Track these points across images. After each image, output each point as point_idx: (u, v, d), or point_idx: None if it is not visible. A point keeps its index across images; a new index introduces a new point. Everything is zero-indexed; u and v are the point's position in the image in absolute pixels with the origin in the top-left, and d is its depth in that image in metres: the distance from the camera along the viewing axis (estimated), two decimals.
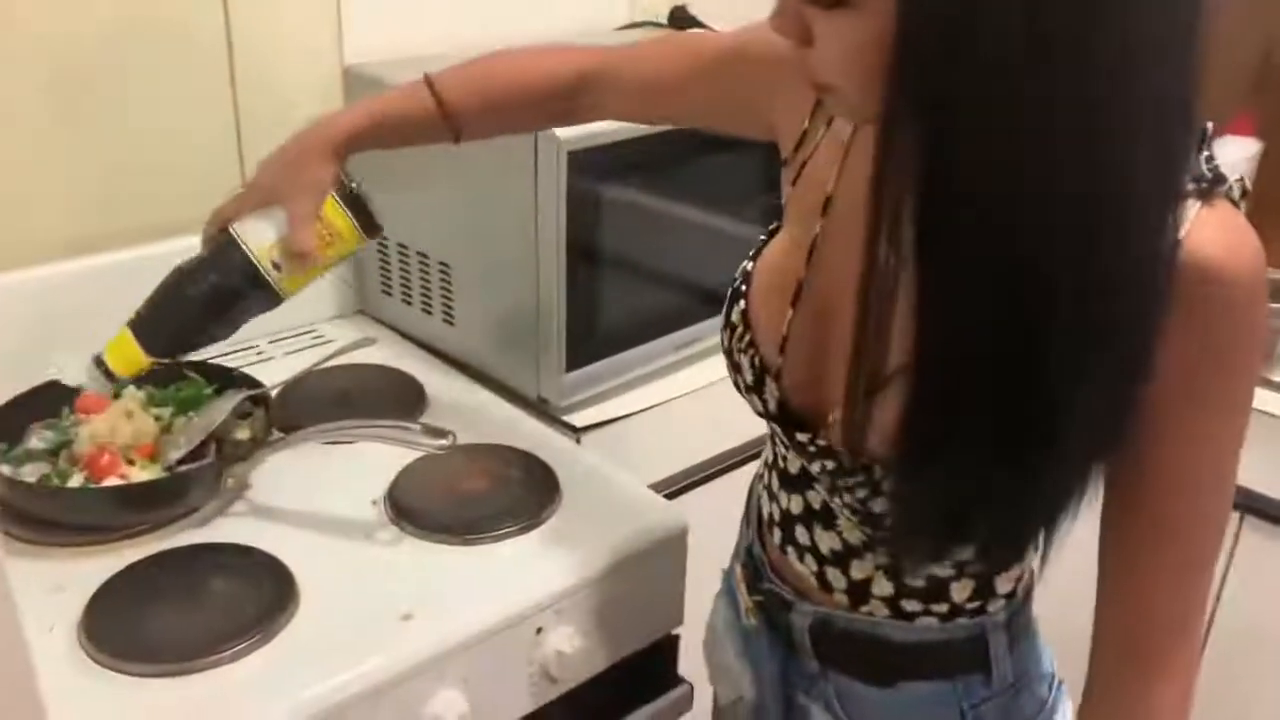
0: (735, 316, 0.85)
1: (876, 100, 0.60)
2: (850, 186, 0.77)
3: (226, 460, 1.07)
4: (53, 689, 0.66)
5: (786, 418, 0.82)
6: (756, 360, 0.83)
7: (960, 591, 0.82)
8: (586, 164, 1.20)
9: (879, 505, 0.78)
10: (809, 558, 0.87)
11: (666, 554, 1.09)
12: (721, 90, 0.90)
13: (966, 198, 0.58)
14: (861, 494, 0.78)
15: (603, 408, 1.31)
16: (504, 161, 1.23)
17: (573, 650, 1.00)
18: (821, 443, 0.80)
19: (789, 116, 0.84)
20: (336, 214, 0.98)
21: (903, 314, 0.63)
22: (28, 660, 0.62)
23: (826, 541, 0.85)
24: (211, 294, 0.97)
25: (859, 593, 0.84)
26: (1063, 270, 0.59)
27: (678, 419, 1.37)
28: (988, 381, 0.62)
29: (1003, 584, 0.83)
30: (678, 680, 1.14)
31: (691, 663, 1.14)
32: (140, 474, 1.04)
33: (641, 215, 1.32)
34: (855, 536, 0.83)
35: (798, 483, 0.87)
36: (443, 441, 1.03)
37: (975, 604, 0.83)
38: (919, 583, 0.82)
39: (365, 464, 1.12)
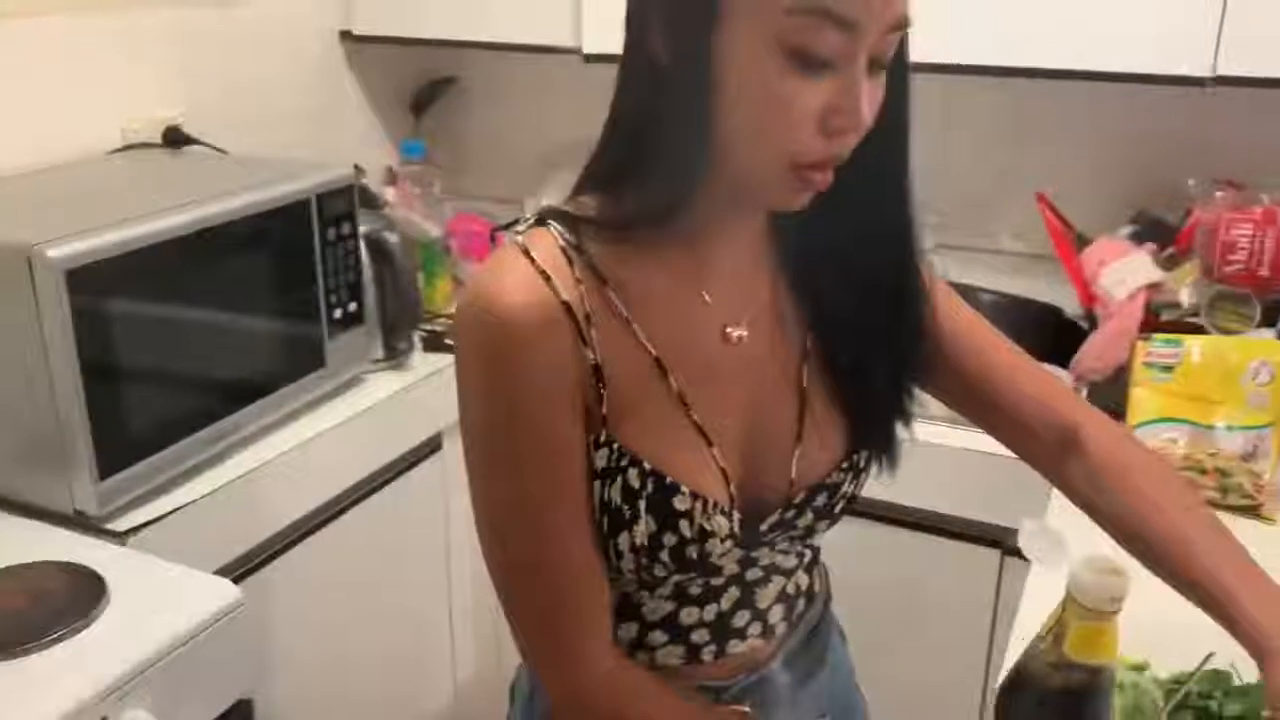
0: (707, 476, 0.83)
1: None
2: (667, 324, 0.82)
3: None
4: None
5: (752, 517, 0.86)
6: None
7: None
8: (91, 279, 1.24)
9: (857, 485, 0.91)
10: (800, 601, 0.95)
11: (225, 625, 1.17)
12: None
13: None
14: (850, 489, 0.89)
15: (150, 507, 1.36)
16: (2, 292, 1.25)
17: None
18: (801, 496, 0.86)
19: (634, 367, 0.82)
20: None
21: None
22: None
23: (802, 577, 0.96)
24: None
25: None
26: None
27: (230, 504, 1.45)
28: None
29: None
30: None
31: None
32: None
33: (158, 320, 1.37)
34: (798, 557, 0.94)
35: (772, 572, 0.91)
36: None
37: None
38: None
39: None
